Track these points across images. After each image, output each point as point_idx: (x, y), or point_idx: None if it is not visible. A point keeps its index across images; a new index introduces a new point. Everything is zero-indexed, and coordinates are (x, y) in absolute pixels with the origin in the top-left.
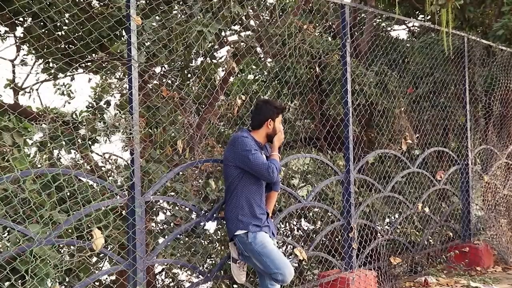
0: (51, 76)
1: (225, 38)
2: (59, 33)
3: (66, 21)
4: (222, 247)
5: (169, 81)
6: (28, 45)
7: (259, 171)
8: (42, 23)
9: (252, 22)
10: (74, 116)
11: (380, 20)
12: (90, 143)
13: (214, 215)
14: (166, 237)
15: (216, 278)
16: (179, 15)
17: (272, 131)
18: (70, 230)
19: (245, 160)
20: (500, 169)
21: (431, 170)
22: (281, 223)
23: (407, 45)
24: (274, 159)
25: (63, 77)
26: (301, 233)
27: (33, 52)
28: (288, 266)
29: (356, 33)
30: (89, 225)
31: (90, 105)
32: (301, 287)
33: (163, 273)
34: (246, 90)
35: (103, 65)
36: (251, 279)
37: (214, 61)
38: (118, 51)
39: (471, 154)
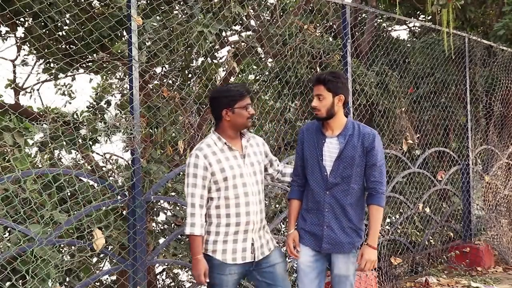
0: (52, 76)
1: (225, 38)
2: (60, 33)
3: (67, 21)
4: None
5: (170, 81)
6: (29, 45)
7: None
8: (43, 23)
9: (252, 22)
10: (75, 116)
11: (381, 20)
12: (91, 143)
13: None
14: (167, 237)
15: None
16: (180, 15)
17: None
18: (70, 230)
19: None
20: (501, 169)
21: (431, 170)
22: (282, 223)
23: (408, 45)
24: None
25: (64, 77)
26: None
27: (34, 52)
28: None
29: (357, 33)
30: (90, 225)
31: (91, 105)
32: None
33: (164, 273)
34: None
35: (104, 65)
36: None
37: (215, 61)
38: (119, 51)
39: (472, 154)
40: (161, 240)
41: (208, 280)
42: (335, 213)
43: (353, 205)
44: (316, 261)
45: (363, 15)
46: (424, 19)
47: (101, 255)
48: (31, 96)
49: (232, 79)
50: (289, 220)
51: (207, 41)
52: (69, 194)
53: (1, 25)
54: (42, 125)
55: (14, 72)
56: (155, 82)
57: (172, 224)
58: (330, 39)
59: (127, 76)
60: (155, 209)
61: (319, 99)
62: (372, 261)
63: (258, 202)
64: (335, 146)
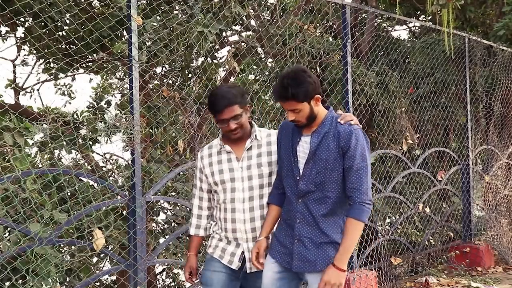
0: (52, 76)
1: (225, 38)
2: (60, 33)
3: (67, 21)
4: None
5: (170, 81)
6: (29, 45)
7: None
8: (43, 23)
9: (252, 22)
10: (75, 116)
11: (381, 20)
12: (91, 143)
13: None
14: (167, 237)
15: None
16: (180, 15)
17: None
18: (71, 230)
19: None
20: (501, 169)
21: (432, 170)
22: None
23: (408, 45)
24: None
25: (64, 77)
26: None
27: (34, 52)
28: None
29: (357, 33)
30: (90, 225)
31: (91, 105)
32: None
33: (164, 273)
34: (247, 90)
35: (104, 65)
36: None
37: (215, 61)
38: (119, 51)
39: (472, 154)
40: (161, 240)
41: (194, 280)
42: (308, 224)
43: (327, 216)
44: (281, 279)
45: (363, 15)
46: (424, 19)
47: (101, 255)
48: (31, 96)
49: (232, 79)
50: (263, 226)
51: (207, 41)
52: (69, 194)
53: (1, 25)
54: (42, 125)
55: (14, 72)
56: (155, 82)
57: (173, 224)
58: (330, 39)
59: (127, 76)
60: (155, 209)
61: (295, 112)
62: (332, 285)
63: (248, 210)
64: (308, 146)
